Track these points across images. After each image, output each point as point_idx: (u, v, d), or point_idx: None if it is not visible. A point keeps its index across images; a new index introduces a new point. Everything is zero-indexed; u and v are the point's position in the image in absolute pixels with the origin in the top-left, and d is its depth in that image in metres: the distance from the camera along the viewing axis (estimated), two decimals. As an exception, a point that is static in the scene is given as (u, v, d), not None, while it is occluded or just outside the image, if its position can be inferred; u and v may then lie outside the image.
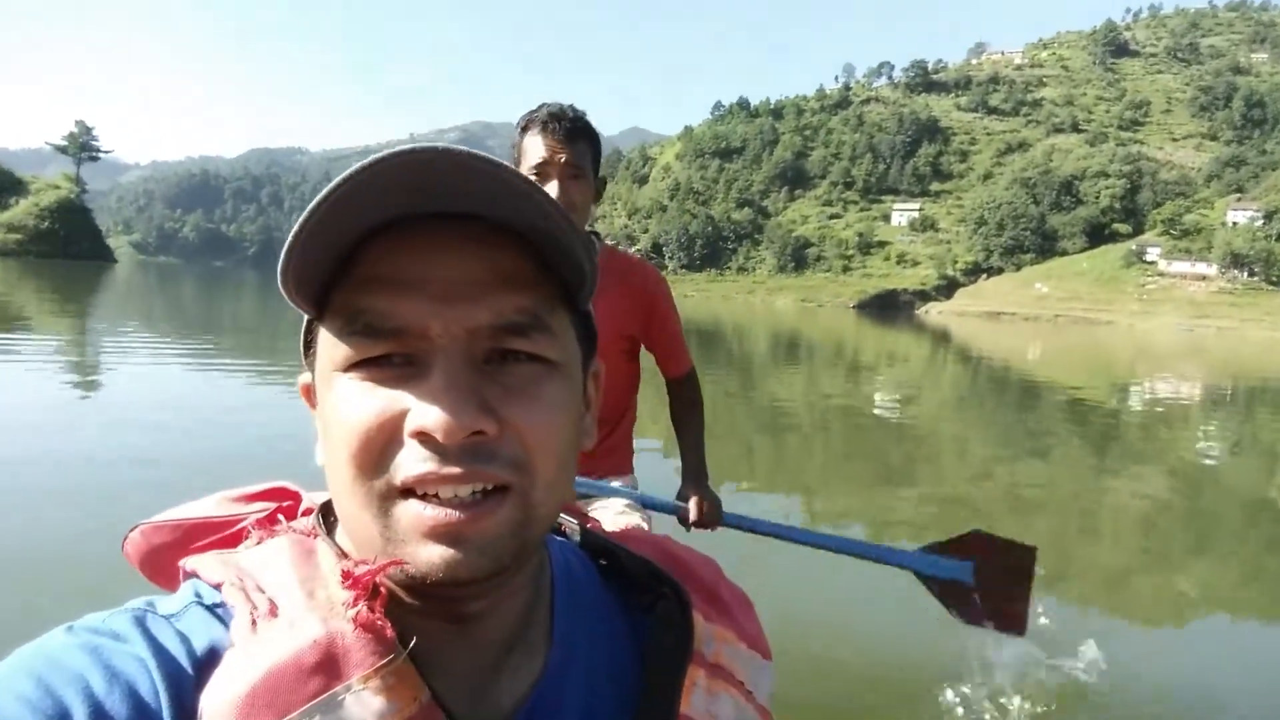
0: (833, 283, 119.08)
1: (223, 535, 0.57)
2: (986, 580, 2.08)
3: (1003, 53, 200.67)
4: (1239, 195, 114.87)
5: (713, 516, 2.02)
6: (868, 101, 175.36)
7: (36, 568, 3.27)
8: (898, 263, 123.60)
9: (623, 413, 2.08)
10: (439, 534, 0.42)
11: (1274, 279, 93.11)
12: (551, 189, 1.73)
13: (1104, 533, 5.42)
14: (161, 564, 0.58)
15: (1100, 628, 3.65)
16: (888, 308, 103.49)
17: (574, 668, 0.52)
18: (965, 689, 2.85)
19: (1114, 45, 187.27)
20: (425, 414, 0.42)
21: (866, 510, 5.56)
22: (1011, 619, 2.09)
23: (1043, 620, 3.44)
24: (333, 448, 0.45)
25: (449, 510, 0.42)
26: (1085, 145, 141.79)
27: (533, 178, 1.68)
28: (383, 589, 0.45)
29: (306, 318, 0.48)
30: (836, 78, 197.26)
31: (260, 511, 0.57)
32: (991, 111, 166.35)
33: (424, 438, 0.42)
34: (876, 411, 10.95)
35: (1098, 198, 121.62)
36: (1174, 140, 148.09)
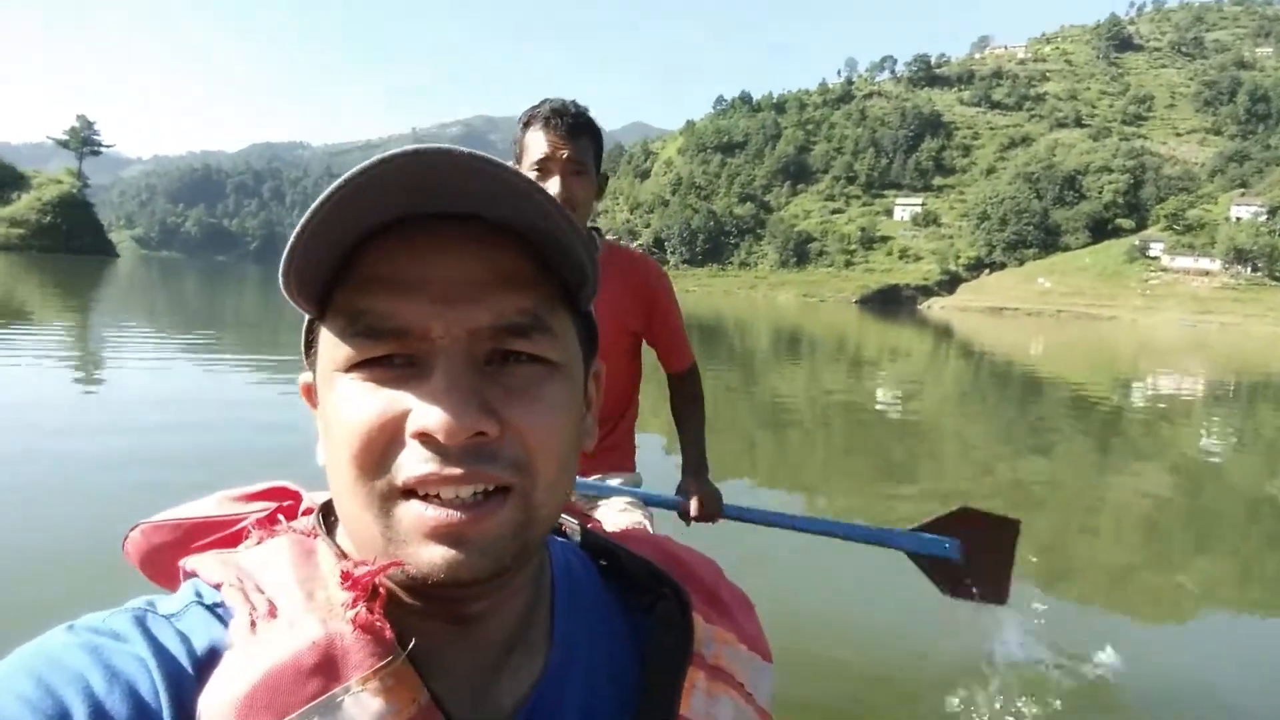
0: (835, 278, 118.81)
1: (223, 535, 0.57)
2: (973, 555, 2.14)
3: (1006, 47, 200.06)
4: (1243, 190, 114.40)
5: (713, 510, 2.03)
6: (870, 96, 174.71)
7: (37, 566, 3.26)
8: (900, 258, 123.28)
9: (624, 409, 2.08)
10: (440, 534, 0.42)
11: (1278, 274, 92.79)
12: (553, 185, 1.73)
13: (1107, 529, 5.41)
14: (162, 563, 0.58)
15: (1105, 625, 3.64)
16: (890, 303, 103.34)
17: (574, 668, 0.52)
18: (969, 688, 2.85)
19: (1118, 39, 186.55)
20: (427, 415, 0.42)
21: (868, 506, 5.55)
22: (995, 590, 2.16)
23: (1047, 618, 3.44)
24: (334, 448, 0.45)
25: (450, 511, 0.42)
26: (1088, 140, 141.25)
27: (535, 174, 1.74)
28: (382, 590, 0.45)
29: (307, 317, 0.48)
30: (839, 71, 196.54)
31: (260, 511, 0.57)
32: (995, 106, 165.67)
33: (425, 438, 0.42)
34: (878, 407, 10.93)
35: (1101, 193, 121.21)
36: (1178, 135, 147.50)
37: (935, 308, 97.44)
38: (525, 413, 0.44)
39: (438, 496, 0.42)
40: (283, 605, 0.45)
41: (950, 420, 10.18)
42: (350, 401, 0.44)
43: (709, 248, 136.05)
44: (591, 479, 2.02)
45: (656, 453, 4.74)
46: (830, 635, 3.13)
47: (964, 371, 18.13)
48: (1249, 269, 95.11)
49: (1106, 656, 3.06)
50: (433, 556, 0.42)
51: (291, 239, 0.42)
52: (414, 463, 0.42)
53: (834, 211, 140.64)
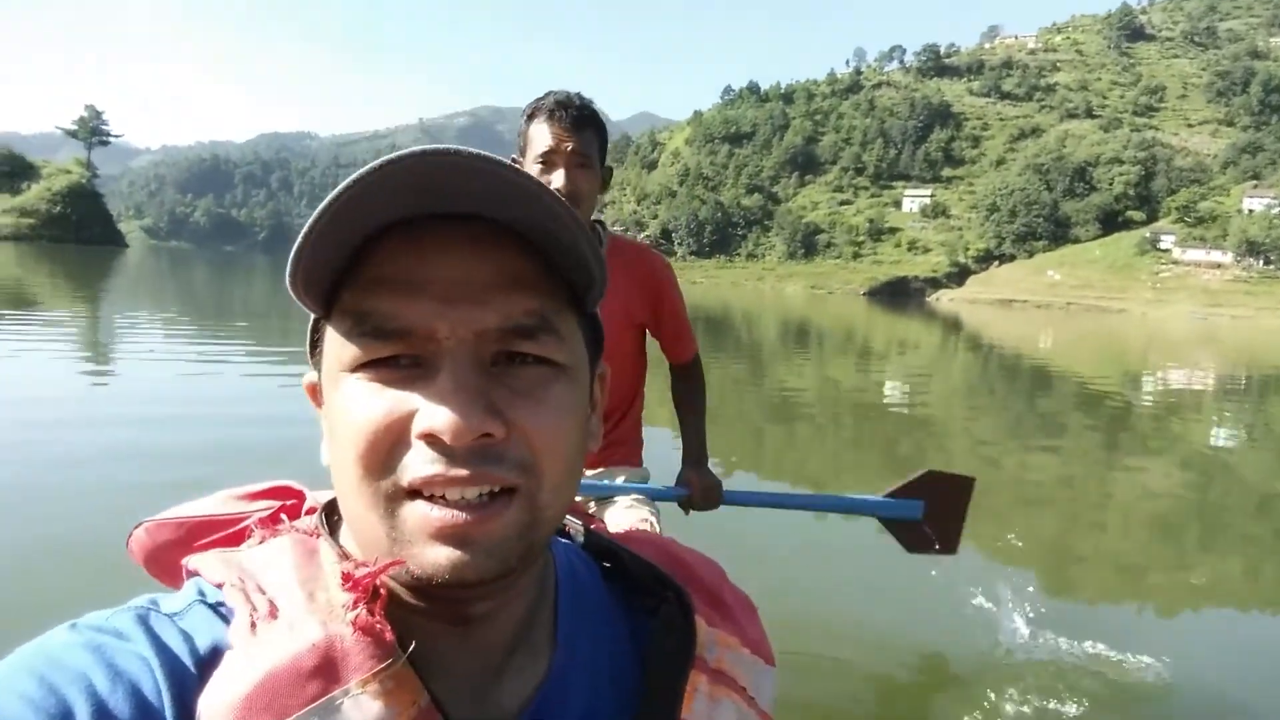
0: (843, 269, 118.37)
1: (226, 533, 0.57)
2: (933, 512, 2.34)
3: (1016, 37, 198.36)
4: (1255, 182, 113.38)
5: (713, 500, 2.08)
6: (879, 86, 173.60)
7: (40, 563, 3.25)
8: (909, 249, 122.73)
9: (631, 402, 2.09)
10: (446, 535, 0.42)
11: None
12: (558, 178, 1.73)
13: (1115, 524, 5.39)
14: (165, 561, 0.58)
15: (1112, 620, 3.63)
16: (898, 295, 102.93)
17: (577, 671, 0.52)
18: (973, 686, 2.84)
19: (1130, 29, 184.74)
20: (433, 416, 0.42)
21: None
22: (949, 543, 2.37)
23: (1053, 614, 3.43)
24: (339, 448, 0.45)
25: (456, 512, 0.42)
26: (1099, 131, 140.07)
27: (539, 166, 1.74)
28: (383, 591, 0.45)
29: (313, 317, 0.48)
30: (848, 61, 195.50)
31: (263, 510, 0.57)
32: (1004, 96, 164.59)
33: (432, 439, 0.42)
34: (886, 399, 10.90)
35: (1111, 184, 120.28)
36: (1190, 126, 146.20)
37: (944, 300, 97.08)
38: (531, 414, 0.44)
39: (443, 497, 0.42)
40: (283, 606, 0.45)
41: (958, 413, 10.14)
42: (356, 402, 0.44)
43: (716, 239, 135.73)
44: (598, 472, 2.02)
45: (664, 447, 4.76)
46: (832, 636, 3.13)
47: (972, 364, 18.06)
48: (1261, 262, 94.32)
49: (1113, 652, 3.05)
50: (438, 557, 0.42)
51: (299, 239, 0.42)
52: (420, 464, 0.42)
53: (842, 203, 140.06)
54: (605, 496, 2.01)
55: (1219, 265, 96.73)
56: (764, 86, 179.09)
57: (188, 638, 0.44)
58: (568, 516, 0.59)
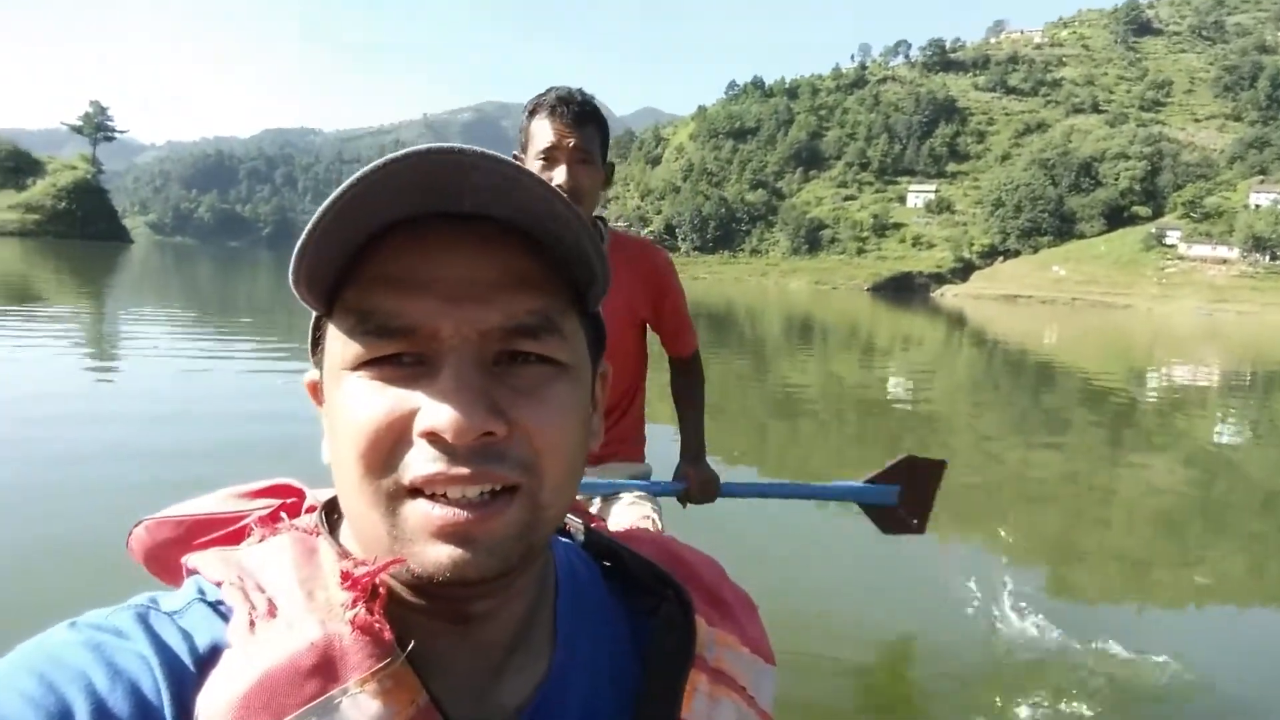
0: (847, 265, 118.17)
1: (226, 532, 0.57)
2: (907, 496, 2.47)
3: (1022, 31, 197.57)
4: (1262, 177, 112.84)
5: (711, 493, 2.12)
6: (884, 81, 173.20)
7: (39, 561, 3.24)
8: (913, 245, 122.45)
9: (632, 398, 2.10)
10: (447, 534, 0.42)
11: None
12: (560, 174, 1.73)
13: (1119, 520, 5.37)
14: (165, 560, 0.58)
15: (1115, 618, 3.62)
16: (903, 290, 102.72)
17: (576, 671, 0.52)
18: (976, 684, 2.84)
19: (1136, 24, 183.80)
20: (436, 414, 0.42)
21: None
22: (919, 523, 2.50)
23: (1057, 611, 3.42)
24: (341, 446, 0.45)
25: (457, 510, 0.42)
26: (1105, 126, 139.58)
27: (541, 162, 1.75)
28: (382, 590, 0.45)
29: (315, 314, 0.48)
30: (852, 56, 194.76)
31: (263, 508, 0.57)
32: (1010, 91, 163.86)
33: (434, 438, 0.42)
34: (889, 395, 10.89)
35: (1117, 179, 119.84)
36: (1196, 121, 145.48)
37: (948, 295, 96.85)
38: (533, 413, 0.44)
39: (445, 496, 0.42)
40: (282, 605, 0.45)
41: (962, 409, 10.12)
42: (358, 400, 0.44)
43: (720, 235, 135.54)
44: (600, 468, 2.02)
45: (667, 444, 4.88)
46: (832, 635, 3.13)
47: (976, 360, 18.01)
48: (1267, 257, 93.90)
49: (1117, 650, 3.04)
50: (439, 555, 0.42)
51: (303, 237, 0.42)
52: (422, 462, 0.42)
53: (846, 198, 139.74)
54: (607, 494, 2.01)
55: (1225, 261, 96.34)
56: (768, 81, 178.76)
57: (187, 636, 0.44)
58: (568, 515, 0.60)
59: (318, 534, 0.51)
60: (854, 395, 10.71)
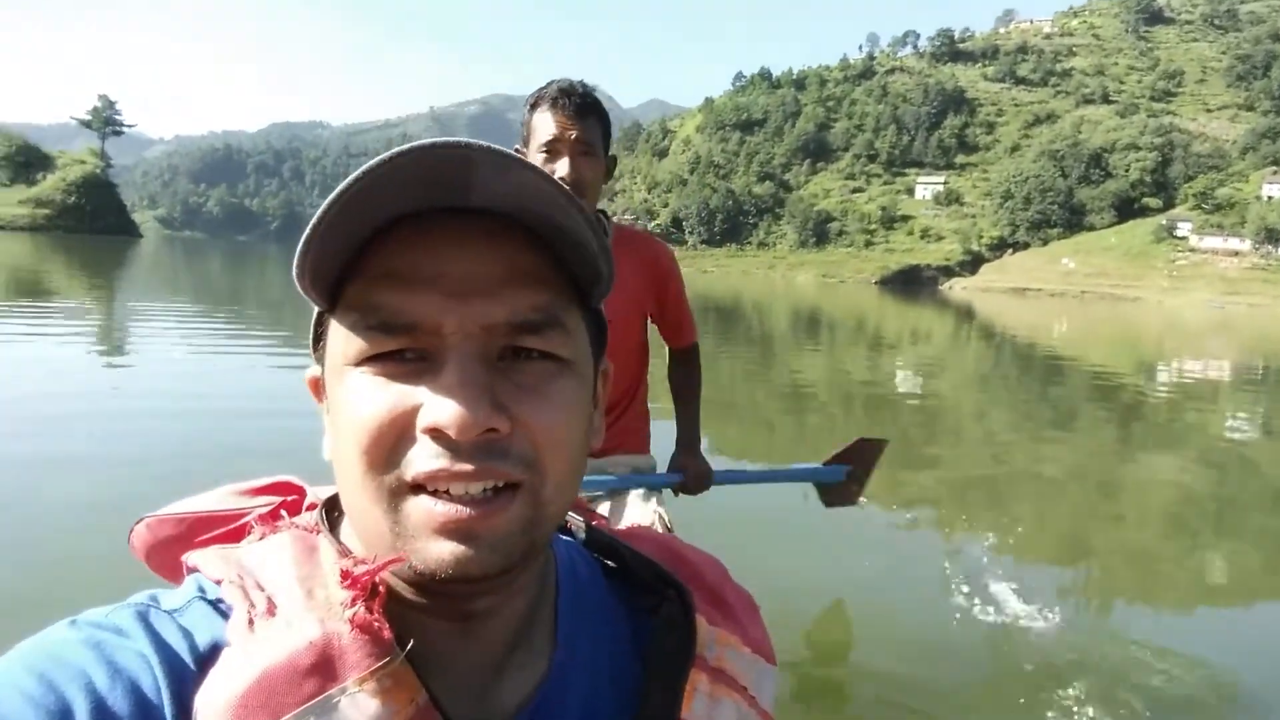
0: (855, 258, 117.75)
1: (227, 529, 0.57)
2: (855, 473, 2.75)
3: (1032, 21, 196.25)
4: (1275, 168, 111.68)
5: (705, 484, 2.17)
6: (892, 72, 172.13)
7: (39, 560, 3.24)
8: (921, 237, 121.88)
9: (635, 390, 2.10)
10: (450, 530, 0.42)
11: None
12: (562, 166, 1.73)
13: (1129, 515, 5.33)
14: (166, 557, 0.58)
15: (1122, 614, 3.59)
16: (911, 283, 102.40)
17: (577, 670, 0.52)
18: (979, 683, 2.82)
19: (1148, 12, 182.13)
20: (439, 410, 0.42)
21: (885, 490, 5.50)
22: (857, 490, 2.78)
23: (1062, 607, 3.39)
24: (343, 442, 0.45)
25: (460, 506, 0.42)
26: (1116, 117, 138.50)
27: (543, 155, 1.76)
28: (382, 588, 0.45)
29: (317, 311, 0.48)
30: (860, 47, 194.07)
31: (264, 506, 0.57)
32: (1019, 82, 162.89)
33: (437, 434, 0.42)
34: (898, 389, 10.84)
35: (1128, 171, 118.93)
36: (1208, 111, 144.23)
37: (957, 288, 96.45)
38: (536, 410, 0.44)
39: (447, 492, 0.42)
40: (282, 603, 0.45)
41: (971, 403, 10.07)
42: (361, 395, 0.44)
43: (727, 227, 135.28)
44: (604, 460, 2.03)
45: (671, 442, 4.88)
46: (834, 635, 3.11)
47: (985, 353, 17.93)
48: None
49: (1128, 646, 3.02)
50: (441, 552, 0.42)
51: (307, 232, 0.42)
52: (424, 458, 0.42)
53: (854, 190, 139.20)
54: (616, 490, 2.02)
55: (1237, 253, 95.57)
56: (776, 73, 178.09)
57: (187, 634, 0.44)
58: (570, 513, 0.60)
59: (318, 532, 0.51)
60: (862, 390, 10.66)
